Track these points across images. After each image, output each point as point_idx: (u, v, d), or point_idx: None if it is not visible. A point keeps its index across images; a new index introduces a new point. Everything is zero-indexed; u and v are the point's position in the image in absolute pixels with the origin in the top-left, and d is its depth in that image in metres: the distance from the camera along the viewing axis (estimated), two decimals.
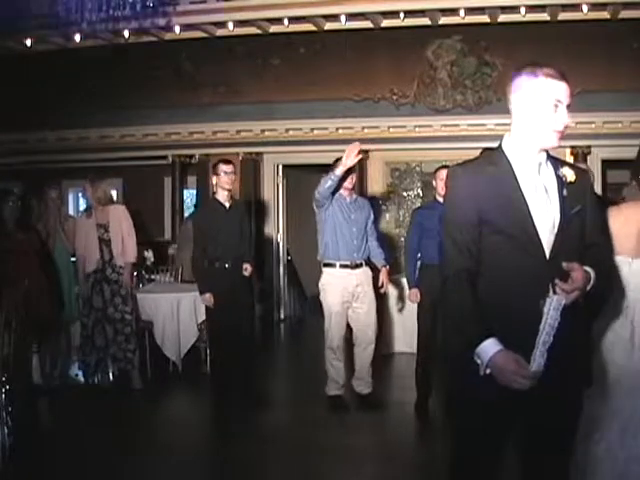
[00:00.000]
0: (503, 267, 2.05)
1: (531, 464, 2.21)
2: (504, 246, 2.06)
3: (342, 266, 5.16)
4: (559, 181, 2.11)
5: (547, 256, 2.05)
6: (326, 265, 5.22)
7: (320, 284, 5.25)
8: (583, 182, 2.17)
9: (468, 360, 2.03)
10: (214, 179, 5.32)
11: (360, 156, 4.94)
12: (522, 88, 2.09)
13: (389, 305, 7.04)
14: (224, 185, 5.26)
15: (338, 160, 4.98)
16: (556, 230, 2.07)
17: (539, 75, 2.06)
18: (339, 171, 4.89)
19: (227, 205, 5.32)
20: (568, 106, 2.08)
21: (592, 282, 2.04)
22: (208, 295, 5.18)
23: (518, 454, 2.24)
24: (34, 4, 7.00)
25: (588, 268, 2.04)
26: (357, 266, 5.18)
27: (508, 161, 2.12)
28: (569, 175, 2.11)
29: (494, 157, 2.17)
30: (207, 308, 5.32)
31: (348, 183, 5.16)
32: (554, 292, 1.98)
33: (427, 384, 5.09)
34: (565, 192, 2.09)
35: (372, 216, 5.39)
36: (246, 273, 5.31)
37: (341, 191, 5.18)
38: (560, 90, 2.05)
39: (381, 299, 5.51)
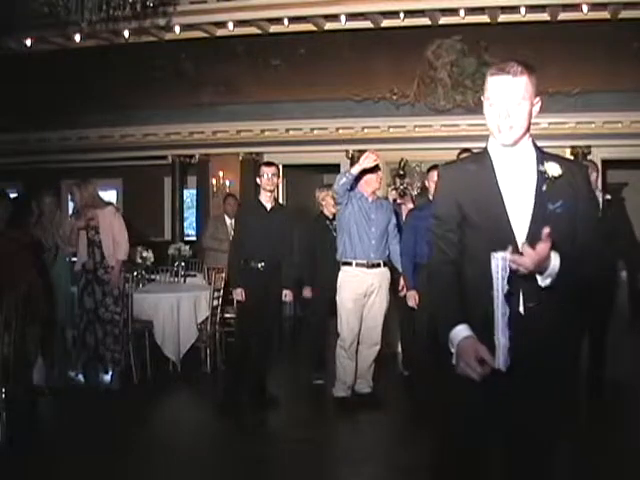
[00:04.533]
0: (481, 260, 2.07)
1: (513, 463, 2.23)
2: (482, 240, 2.10)
3: (358, 265, 5.17)
4: (539, 176, 2.12)
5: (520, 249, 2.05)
6: (344, 264, 5.24)
7: (338, 283, 5.27)
8: (572, 177, 2.14)
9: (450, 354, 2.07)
10: (257, 180, 5.40)
11: (377, 162, 4.99)
12: None
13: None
14: (265, 187, 5.32)
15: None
16: (529, 224, 2.09)
17: (489, 74, 2.12)
18: (355, 170, 4.96)
19: (268, 206, 5.36)
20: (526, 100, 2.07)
21: (550, 268, 2.00)
22: (240, 290, 5.26)
23: (502, 454, 2.26)
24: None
25: (555, 255, 2.01)
26: (374, 266, 5.18)
27: (490, 159, 2.17)
28: (552, 170, 2.11)
29: (479, 156, 2.24)
30: (238, 302, 5.42)
31: (366, 184, 5.16)
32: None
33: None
34: (545, 187, 2.10)
35: (394, 219, 5.40)
36: (286, 299, 5.44)
37: (362, 191, 5.20)
38: (494, 87, 2.08)
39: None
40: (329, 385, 5.46)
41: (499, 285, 1.97)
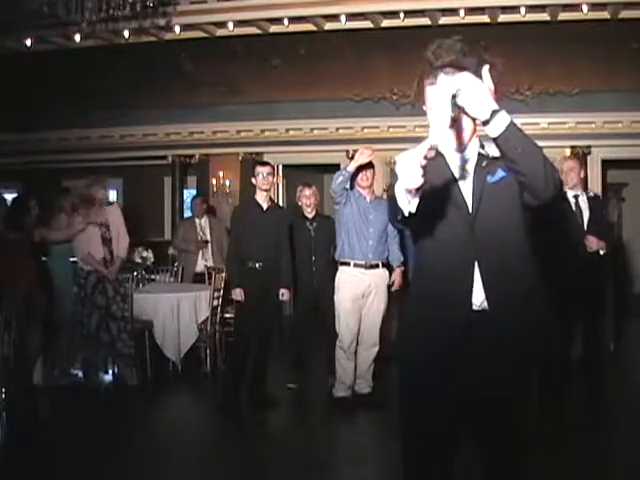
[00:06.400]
0: (439, 228, 2.22)
1: (485, 464, 2.30)
2: (440, 211, 2.21)
3: (356, 265, 5.17)
4: (479, 157, 2.25)
5: (470, 211, 2.19)
6: (341, 264, 5.24)
7: (335, 283, 5.26)
8: None
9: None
10: (253, 180, 5.40)
11: (372, 157, 5.00)
12: None
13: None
14: (261, 186, 5.34)
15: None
16: (471, 196, 2.21)
17: (427, 84, 2.37)
18: (351, 167, 4.95)
19: (265, 206, 5.37)
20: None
21: (498, 117, 2.03)
22: (238, 290, 5.29)
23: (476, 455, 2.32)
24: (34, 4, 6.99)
25: (504, 112, 2.08)
26: (371, 267, 5.18)
27: (442, 155, 2.28)
28: (491, 151, 2.23)
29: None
30: (237, 302, 5.44)
31: (361, 180, 5.16)
32: None
33: None
34: (484, 164, 2.22)
35: None
36: (283, 298, 5.45)
37: (360, 190, 5.19)
38: (433, 96, 2.26)
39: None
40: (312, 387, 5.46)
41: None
